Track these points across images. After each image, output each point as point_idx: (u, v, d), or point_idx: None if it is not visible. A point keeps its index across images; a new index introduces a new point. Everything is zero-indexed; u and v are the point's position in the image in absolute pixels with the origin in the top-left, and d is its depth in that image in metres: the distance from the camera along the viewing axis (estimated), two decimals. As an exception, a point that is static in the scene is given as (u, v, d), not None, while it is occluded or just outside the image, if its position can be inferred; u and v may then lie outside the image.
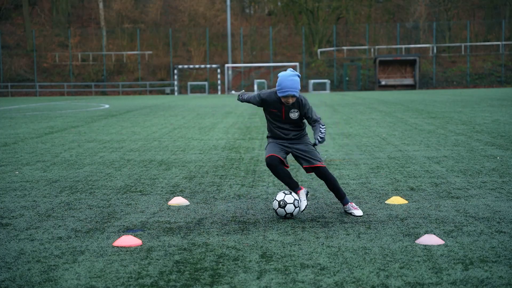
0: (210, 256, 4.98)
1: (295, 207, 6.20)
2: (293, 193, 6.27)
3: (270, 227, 5.93)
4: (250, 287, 4.25)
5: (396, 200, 6.95)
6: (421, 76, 65.47)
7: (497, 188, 7.66)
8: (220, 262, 4.80)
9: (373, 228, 5.81)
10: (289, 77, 6.17)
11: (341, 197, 6.47)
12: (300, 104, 6.34)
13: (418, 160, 10.25)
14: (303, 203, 6.33)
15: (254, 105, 6.46)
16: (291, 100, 6.23)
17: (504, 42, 67.35)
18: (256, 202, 7.11)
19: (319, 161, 6.40)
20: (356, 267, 4.62)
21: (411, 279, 4.33)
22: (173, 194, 7.71)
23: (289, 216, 6.22)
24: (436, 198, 7.14)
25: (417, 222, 6.00)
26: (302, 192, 6.43)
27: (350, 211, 6.38)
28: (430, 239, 5.23)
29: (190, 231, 5.81)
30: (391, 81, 64.37)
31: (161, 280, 4.40)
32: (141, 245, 5.32)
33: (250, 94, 6.64)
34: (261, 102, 6.42)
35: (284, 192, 6.27)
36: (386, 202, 6.98)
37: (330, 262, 4.76)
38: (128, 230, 5.88)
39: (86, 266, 4.76)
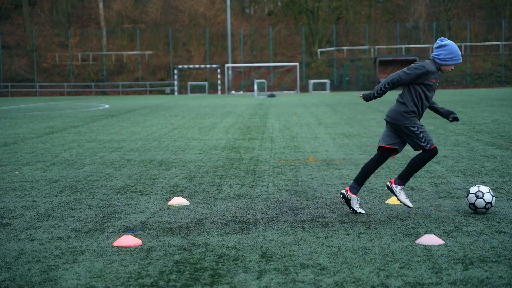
0: (210, 256, 4.98)
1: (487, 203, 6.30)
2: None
3: (270, 227, 5.93)
4: (250, 287, 4.25)
5: (396, 200, 6.95)
6: (421, 76, 65.38)
7: (497, 188, 7.66)
8: (220, 262, 4.80)
9: (373, 228, 5.81)
10: (455, 46, 6.36)
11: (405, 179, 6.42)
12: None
13: (418, 160, 10.24)
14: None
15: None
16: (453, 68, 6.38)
17: (504, 42, 67.34)
18: (256, 202, 7.12)
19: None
20: (356, 267, 4.62)
21: (411, 279, 4.33)
22: (173, 194, 7.71)
23: (473, 208, 6.31)
24: (436, 198, 7.14)
25: (417, 222, 6.00)
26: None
27: (396, 194, 6.37)
28: (430, 239, 5.22)
29: (190, 231, 5.81)
30: (391, 81, 64.27)
31: (161, 280, 4.40)
32: (141, 245, 5.32)
33: (393, 76, 6.29)
34: (422, 74, 6.18)
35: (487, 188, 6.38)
36: (386, 202, 6.98)
37: (330, 262, 4.76)
38: (128, 230, 5.88)
39: (86, 266, 4.76)
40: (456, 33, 70.57)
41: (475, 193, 6.29)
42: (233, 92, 63.62)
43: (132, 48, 70.10)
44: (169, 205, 7.02)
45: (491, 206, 6.30)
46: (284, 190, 7.83)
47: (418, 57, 63.83)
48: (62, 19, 73.53)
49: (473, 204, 6.30)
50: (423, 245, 5.17)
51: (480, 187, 6.34)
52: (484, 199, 6.27)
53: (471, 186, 6.43)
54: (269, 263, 4.76)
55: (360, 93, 6.44)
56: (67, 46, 69.58)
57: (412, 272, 4.49)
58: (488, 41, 69.58)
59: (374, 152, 11.50)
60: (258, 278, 4.43)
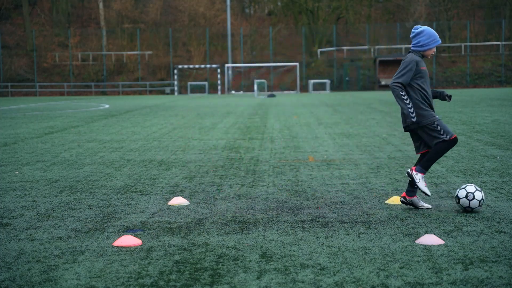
0: (210, 256, 4.98)
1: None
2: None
3: (270, 227, 5.93)
4: (250, 287, 4.25)
5: (396, 200, 6.95)
6: (421, 76, 65.35)
7: (497, 188, 7.66)
8: (220, 262, 4.80)
9: (373, 228, 5.81)
10: (431, 29, 6.46)
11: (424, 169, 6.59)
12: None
13: (418, 160, 10.24)
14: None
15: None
16: (434, 51, 6.50)
17: (504, 42, 67.33)
18: (256, 202, 7.12)
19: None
20: (356, 267, 4.62)
21: (411, 279, 4.33)
22: (173, 194, 7.71)
23: (469, 210, 6.39)
24: (436, 198, 7.14)
25: (417, 222, 6.00)
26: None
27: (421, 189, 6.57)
28: (430, 239, 5.23)
29: (190, 231, 5.81)
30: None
31: (161, 280, 4.40)
32: (141, 245, 5.33)
33: (395, 85, 6.45)
34: (416, 66, 6.41)
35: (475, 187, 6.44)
36: (386, 202, 6.98)
37: (330, 262, 4.76)
38: (128, 230, 5.88)
39: (86, 266, 4.76)
40: (456, 33, 70.57)
41: (465, 197, 6.36)
42: (233, 92, 63.61)
43: (132, 48, 70.08)
44: (169, 205, 7.02)
45: (484, 201, 6.45)
46: (284, 190, 7.84)
47: (418, 57, 63.72)
48: (62, 19, 73.50)
49: (469, 206, 6.37)
50: (423, 245, 5.17)
51: (467, 189, 6.40)
52: (476, 199, 6.36)
53: (458, 190, 6.46)
54: (269, 263, 4.76)
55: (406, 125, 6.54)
56: (67, 46, 69.55)
57: (412, 272, 4.49)
58: (488, 41, 69.57)
59: (374, 152, 11.50)
60: (258, 278, 4.43)
